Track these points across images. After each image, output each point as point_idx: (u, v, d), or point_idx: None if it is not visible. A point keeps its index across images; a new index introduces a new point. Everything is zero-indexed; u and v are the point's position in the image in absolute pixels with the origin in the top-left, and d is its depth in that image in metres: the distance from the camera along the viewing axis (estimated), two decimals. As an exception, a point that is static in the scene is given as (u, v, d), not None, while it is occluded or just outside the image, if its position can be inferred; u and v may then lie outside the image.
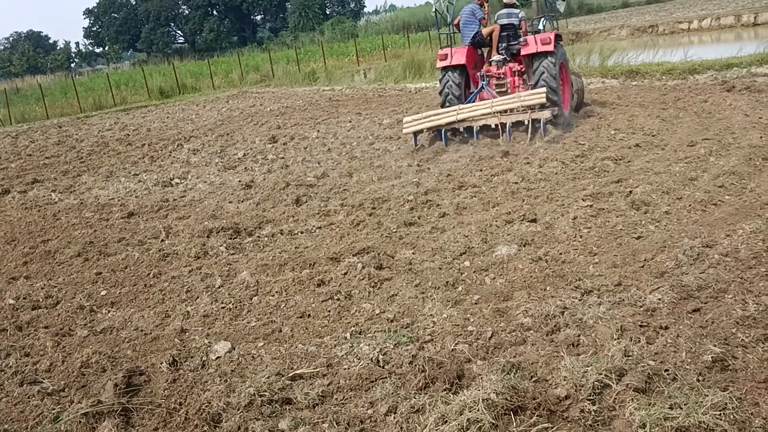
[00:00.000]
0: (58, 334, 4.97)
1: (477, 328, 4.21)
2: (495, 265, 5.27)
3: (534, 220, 6.20)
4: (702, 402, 3.10)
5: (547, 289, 4.71)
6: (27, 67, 72.90)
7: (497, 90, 10.61)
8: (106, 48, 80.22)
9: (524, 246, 5.60)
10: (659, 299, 4.25)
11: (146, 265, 6.39)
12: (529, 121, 9.49)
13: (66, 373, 4.28)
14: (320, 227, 6.91)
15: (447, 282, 5.03)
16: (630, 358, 3.57)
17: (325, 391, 3.72)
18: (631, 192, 6.62)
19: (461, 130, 10.09)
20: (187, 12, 79.15)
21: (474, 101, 10.48)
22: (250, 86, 30.63)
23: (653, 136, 9.09)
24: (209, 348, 4.42)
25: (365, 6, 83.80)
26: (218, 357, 4.29)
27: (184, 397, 3.84)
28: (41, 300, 5.75)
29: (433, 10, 11.63)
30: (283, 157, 11.26)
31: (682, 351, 3.63)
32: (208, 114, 20.62)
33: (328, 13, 75.70)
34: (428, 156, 9.65)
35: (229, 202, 8.56)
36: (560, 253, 5.32)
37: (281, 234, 6.85)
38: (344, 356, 4.08)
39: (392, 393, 3.59)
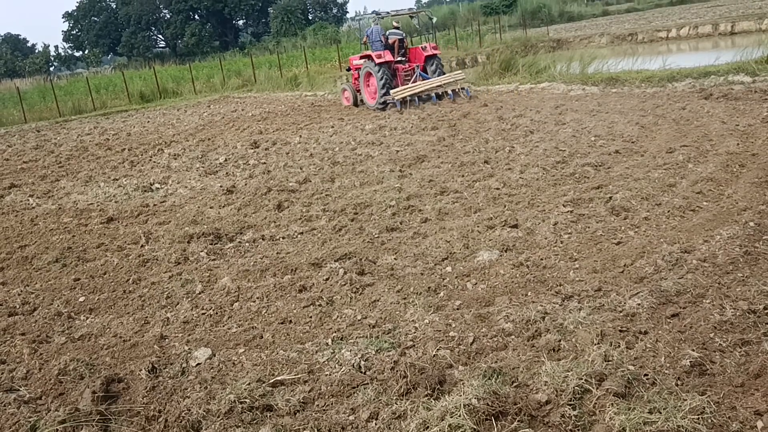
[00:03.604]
0: (35, 341, 4.89)
1: (458, 334, 4.22)
2: (476, 271, 5.29)
3: (515, 226, 6.23)
4: (680, 406, 3.14)
5: (528, 294, 4.73)
6: (5, 70, 72.05)
7: (405, 78, 16.48)
8: (86, 52, 79.49)
9: (506, 251, 5.63)
10: (639, 304, 4.29)
11: (125, 271, 6.33)
12: (459, 88, 16.14)
13: (43, 380, 4.22)
14: (302, 233, 6.89)
15: (429, 287, 5.04)
16: (610, 363, 3.60)
17: (306, 397, 3.71)
18: (611, 198, 6.68)
19: (423, 96, 15.84)
20: (168, 16, 78.73)
21: (415, 82, 16.19)
22: (232, 91, 30.49)
23: (632, 142, 9.18)
24: (189, 354, 4.38)
25: (348, 12, 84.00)
26: (198, 364, 4.26)
27: (164, 404, 3.80)
28: (18, 306, 5.67)
29: (362, 34, 17.79)
30: (264, 162, 11.21)
31: (661, 356, 3.67)
32: (189, 119, 20.48)
33: (310, 18, 75.72)
34: (410, 162, 9.69)
35: (210, 208, 8.50)
36: (541, 259, 5.36)
37: (263, 239, 6.82)
38: (326, 362, 4.07)
39: (374, 399, 3.58)
